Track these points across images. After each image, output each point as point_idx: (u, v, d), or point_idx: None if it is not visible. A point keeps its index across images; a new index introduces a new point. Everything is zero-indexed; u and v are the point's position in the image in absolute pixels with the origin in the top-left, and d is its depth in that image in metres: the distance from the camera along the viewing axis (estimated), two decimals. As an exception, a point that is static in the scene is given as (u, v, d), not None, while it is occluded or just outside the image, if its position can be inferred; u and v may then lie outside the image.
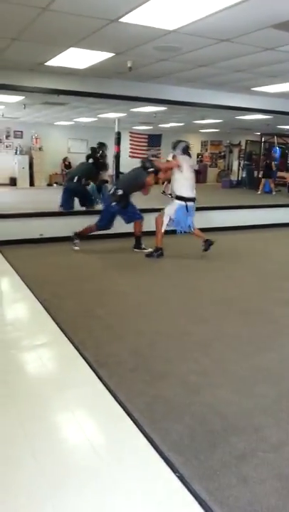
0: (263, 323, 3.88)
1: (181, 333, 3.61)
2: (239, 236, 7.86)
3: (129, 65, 5.35)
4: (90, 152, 8.42)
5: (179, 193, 5.81)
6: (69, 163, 15.59)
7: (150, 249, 6.05)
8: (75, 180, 7.78)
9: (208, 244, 5.94)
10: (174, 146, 6.05)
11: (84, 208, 7.89)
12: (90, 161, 8.15)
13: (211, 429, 2.32)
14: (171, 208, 5.85)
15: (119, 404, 2.51)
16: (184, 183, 5.81)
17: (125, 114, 11.21)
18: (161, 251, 5.90)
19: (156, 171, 6.09)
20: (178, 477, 1.97)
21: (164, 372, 2.91)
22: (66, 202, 7.82)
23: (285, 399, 2.65)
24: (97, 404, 2.59)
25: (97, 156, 8.12)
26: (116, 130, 11.61)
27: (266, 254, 6.72)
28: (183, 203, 5.76)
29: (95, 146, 8.36)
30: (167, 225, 5.87)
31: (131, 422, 2.36)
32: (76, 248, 6.13)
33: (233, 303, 4.39)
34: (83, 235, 6.23)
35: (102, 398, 2.60)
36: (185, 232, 5.98)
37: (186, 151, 5.97)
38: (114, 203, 5.94)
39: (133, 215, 6.14)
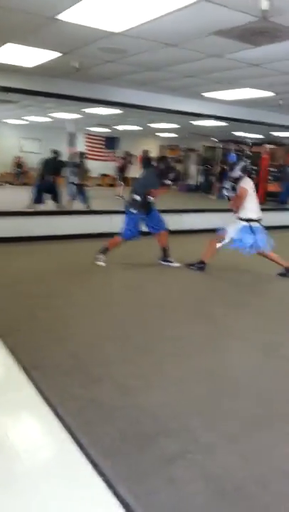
0: (204, 325, 3.91)
1: (123, 336, 3.58)
2: (189, 239, 7.93)
3: (75, 65, 5.30)
4: (49, 153, 8.99)
5: (245, 215, 5.34)
6: (22, 162, 15.33)
7: (178, 264, 5.78)
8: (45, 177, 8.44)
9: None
10: (232, 167, 5.42)
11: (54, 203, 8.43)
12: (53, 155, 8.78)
13: (142, 431, 2.30)
14: (233, 229, 5.40)
15: (51, 408, 2.45)
16: (251, 204, 5.36)
17: (80, 116, 11.10)
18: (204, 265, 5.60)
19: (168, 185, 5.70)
20: (104, 481, 1.93)
21: (101, 375, 2.86)
22: (38, 198, 8.46)
23: (218, 399, 2.68)
24: (28, 409, 2.51)
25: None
26: (70, 131, 11.50)
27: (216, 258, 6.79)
28: (246, 223, 5.31)
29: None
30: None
31: (61, 426, 2.30)
32: (101, 263, 5.58)
33: (177, 305, 4.42)
34: (108, 250, 5.65)
35: (32, 402, 2.52)
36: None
37: (245, 169, 5.37)
38: (134, 210, 5.48)
39: (159, 223, 5.73)
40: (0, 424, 2.31)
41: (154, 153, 18.11)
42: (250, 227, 5.29)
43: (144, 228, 5.74)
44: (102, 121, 12.52)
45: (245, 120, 8.69)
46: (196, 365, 3.12)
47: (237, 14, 3.35)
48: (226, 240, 5.40)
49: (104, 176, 17.39)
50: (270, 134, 12.42)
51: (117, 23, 3.76)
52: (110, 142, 17.45)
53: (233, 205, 5.37)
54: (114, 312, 4.13)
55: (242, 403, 2.66)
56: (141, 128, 14.18)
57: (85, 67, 5.51)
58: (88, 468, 2.01)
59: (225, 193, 5.47)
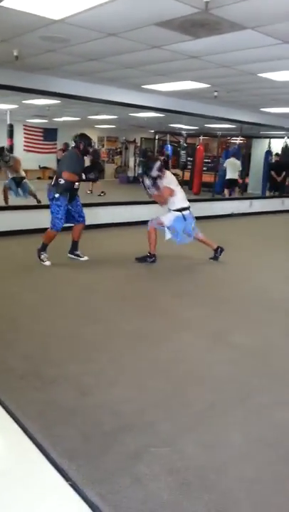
0: (156, 317, 3.94)
1: (76, 333, 3.52)
2: (133, 231, 7.95)
3: (15, 53, 5.08)
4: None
5: (174, 207, 5.50)
6: None
7: (86, 257, 5.63)
8: None
9: (219, 251, 5.90)
10: (149, 167, 5.43)
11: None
12: None
13: (104, 430, 2.27)
14: (167, 218, 5.53)
15: (9, 413, 2.36)
16: (178, 197, 5.53)
17: (18, 106, 10.71)
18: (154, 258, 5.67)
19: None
20: (70, 485, 1.89)
21: (56, 376, 2.80)
22: None
23: (178, 391, 2.71)
24: (-17, 416, 2.40)
25: None
26: (8, 122, 11.08)
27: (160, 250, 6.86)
28: (179, 213, 5.50)
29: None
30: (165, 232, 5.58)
31: (21, 431, 2.22)
32: (47, 263, 5.29)
33: (127, 299, 4.41)
34: (46, 245, 5.36)
35: (-12, 410, 2.42)
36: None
37: (163, 166, 5.53)
38: (57, 194, 5.19)
39: (81, 214, 5.53)
40: None
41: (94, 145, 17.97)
42: (183, 216, 5.50)
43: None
44: (39, 112, 12.17)
45: (182, 112, 8.79)
46: (150, 358, 3.13)
47: (178, 5, 3.34)
48: (165, 226, 5.53)
49: (45, 168, 16.96)
50: (205, 126, 12.68)
51: (57, 10, 3.63)
52: (49, 134, 17.06)
53: (159, 201, 5.59)
54: (62, 310, 4.04)
55: (197, 392, 2.71)
56: (79, 119, 13.94)
57: (25, 56, 5.29)
58: (52, 472, 1.95)
59: (147, 190, 5.54)
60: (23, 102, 9.65)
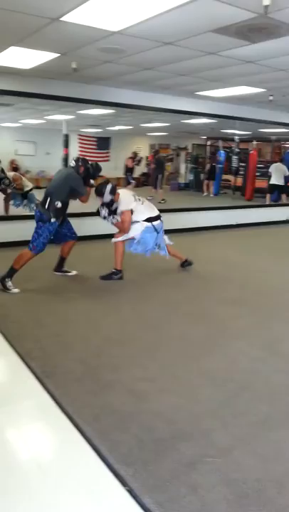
0: (209, 325, 3.90)
1: (129, 338, 3.55)
2: (183, 238, 7.93)
3: (73, 66, 5.25)
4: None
5: (142, 217, 5.09)
6: (16, 165, 15.14)
7: (75, 272, 5.27)
8: None
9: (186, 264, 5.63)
10: (100, 194, 4.91)
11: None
12: None
13: (159, 437, 2.28)
14: (135, 230, 5.08)
15: (67, 416, 2.42)
16: (140, 209, 5.10)
17: (73, 117, 11.04)
18: (121, 274, 5.15)
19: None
20: (127, 491, 1.91)
21: (111, 380, 2.84)
22: None
23: (232, 401, 2.66)
24: (43, 417, 2.48)
25: None
26: (64, 132, 11.44)
27: (210, 255, 6.81)
28: (149, 223, 5.09)
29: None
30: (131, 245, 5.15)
31: (78, 434, 2.27)
32: (15, 290, 4.55)
33: (179, 306, 4.39)
34: (17, 269, 4.62)
35: (48, 411, 2.49)
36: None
37: (114, 190, 4.95)
38: (53, 219, 4.63)
39: (72, 230, 5.11)
40: (19, 434, 2.27)
41: (144, 152, 18.16)
42: (153, 227, 5.10)
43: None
44: (94, 121, 12.48)
45: (235, 117, 8.71)
46: (203, 366, 3.10)
47: (236, 10, 3.33)
48: (129, 237, 5.08)
49: (98, 176, 17.32)
50: (258, 131, 12.45)
51: (116, 22, 3.72)
52: (102, 143, 17.42)
53: (122, 229, 5.07)
54: (114, 316, 4.09)
55: (252, 403, 2.65)
56: (132, 127, 14.14)
57: (83, 68, 5.46)
58: (110, 477, 1.98)
59: (109, 220, 5.07)
60: (78, 112, 9.94)
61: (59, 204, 4.60)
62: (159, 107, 7.58)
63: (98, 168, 5.00)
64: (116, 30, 3.95)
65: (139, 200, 5.13)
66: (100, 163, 5.17)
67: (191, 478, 2.00)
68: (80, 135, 16.82)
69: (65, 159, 9.36)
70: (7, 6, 3.45)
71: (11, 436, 2.28)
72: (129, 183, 13.12)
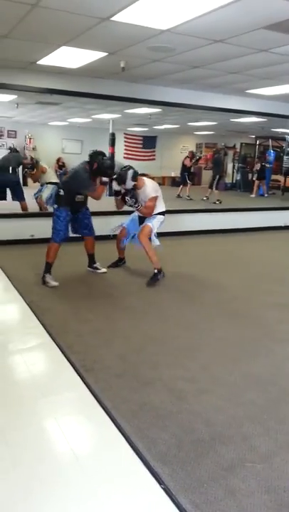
0: (253, 327, 3.82)
1: (170, 337, 3.54)
2: (230, 239, 7.83)
3: (122, 65, 5.30)
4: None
5: (160, 209, 5.00)
6: (63, 163, 15.49)
7: (104, 270, 5.25)
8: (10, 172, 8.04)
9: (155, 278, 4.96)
10: (122, 181, 4.79)
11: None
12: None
13: (198, 438, 2.25)
14: (156, 223, 4.98)
15: (105, 411, 2.44)
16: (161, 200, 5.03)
17: (120, 116, 11.15)
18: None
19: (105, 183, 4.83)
20: (163, 489, 1.90)
21: (151, 378, 2.83)
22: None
23: (274, 407, 2.59)
24: (82, 410, 2.51)
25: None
26: (110, 131, 11.58)
27: (257, 257, 6.67)
28: (163, 217, 5.04)
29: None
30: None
31: (116, 429, 2.29)
32: (54, 284, 4.69)
33: (223, 306, 4.33)
34: (50, 263, 4.81)
35: (87, 404, 2.53)
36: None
37: (136, 176, 4.82)
38: (56, 206, 4.81)
39: (88, 227, 5.09)
40: (58, 425, 2.32)
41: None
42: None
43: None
44: (140, 120, 12.54)
45: (287, 116, 8.47)
46: (245, 369, 3.04)
47: (289, 6, 3.24)
48: (154, 236, 4.94)
49: (143, 175, 17.39)
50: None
51: (165, 20, 3.72)
52: (148, 141, 17.50)
53: (147, 214, 4.94)
54: (158, 312, 4.09)
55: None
56: (178, 126, 14.10)
57: (131, 67, 5.49)
58: (147, 474, 1.98)
59: (136, 208, 5.00)
60: (126, 111, 10.02)
61: (61, 192, 4.77)
62: (208, 105, 7.51)
63: (109, 166, 4.79)
64: (165, 29, 3.94)
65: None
66: (114, 161, 5.10)
67: (229, 481, 1.96)
68: (126, 134, 17.01)
69: (111, 158, 9.45)
70: (59, 6, 3.52)
71: (51, 427, 2.33)
72: (186, 183, 13.06)
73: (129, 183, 4.79)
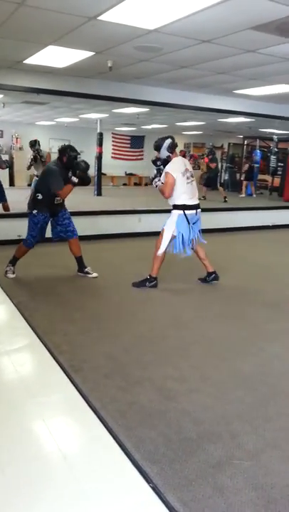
0: (243, 326, 3.84)
1: (159, 336, 3.54)
2: (219, 238, 7.86)
3: (109, 64, 5.29)
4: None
5: (176, 201, 4.50)
6: (50, 163, 15.38)
7: (95, 274, 5.06)
8: None
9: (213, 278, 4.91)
10: (158, 146, 4.51)
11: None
12: None
13: (186, 436, 2.26)
14: (171, 224, 4.54)
15: (93, 411, 2.44)
16: (182, 190, 4.46)
17: (107, 115, 11.13)
18: (156, 281, 4.72)
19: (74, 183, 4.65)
20: (151, 488, 1.90)
21: (140, 377, 2.83)
22: None
23: (263, 404, 2.61)
24: (69, 410, 2.51)
25: None
26: (98, 131, 11.55)
27: (245, 257, 6.71)
28: (181, 212, 4.48)
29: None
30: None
31: (104, 429, 2.29)
32: (11, 276, 4.83)
33: (212, 306, 4.35)
34: (17, 259, 4.92)
35: (75, 405, 2.52)
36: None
37: (173, 146, 4.50)
38: (35, 211, 4.70)
39: (67, 229, 4.91)
40: (46, 427, 2.30)
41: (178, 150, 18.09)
42: (186, 216, 4.48)
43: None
44: (128, 120, 12.53)
45: (274, 116, 8.55)
46: (235, 368, 3.06)
47: (277, 6, 3.26)
48: (166, 242, 4.56)
49: (131, 175, 17.42)
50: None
51: (153, 20, 3.72)
52: (136, 141, 17.50)
53: (162, 193, 4.48)
54: (146, 313, 4.09)
55: (283, 408, 2.58)
56: (167, 126, 14.11)
57: (118, 67, 5.49)
58: (135, 473, 1.98)
59: (155, 182, 4.59)
60: (113, 111, 10.00)
61: (39, 196, 4.64)
62: (196, 105, 7.53)
63: (83, 168, 4.62)
64: (153, 29, 3.95)
65: (188, 179, 4.47)
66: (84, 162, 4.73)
67: (217, 479, 1.97)
68: (113, 133, 16.98)
69: (99, 157, 9.43)
70: (46, 5, 3.50)
71: (39, 427, 2.32)
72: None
73: (164, 152, 4.46)
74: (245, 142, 17.49)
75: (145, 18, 3.69)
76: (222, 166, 18.34)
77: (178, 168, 4.41)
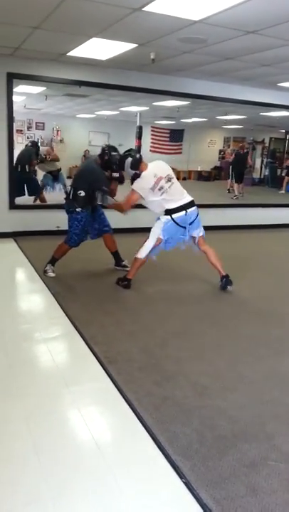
0: (279, 326, 3.76)
1: (194, 332, 3.52)
2: (256, 235, 7.71)
3: (152, 56, 5.25)
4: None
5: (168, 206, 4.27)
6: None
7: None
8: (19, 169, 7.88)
9: (225, 282, 4.53)
10: (122, 167, 4.37)
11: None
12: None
13: (220, 434, 2.23)
14: (157, 230, 4.35)
15: (127, 403, 2.45)
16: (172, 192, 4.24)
17: (147, 108, 11.09)
18: (128, 283, 4.47)
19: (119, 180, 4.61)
20: (184, 483, 1.89)
21: (175, 372, 2.82)
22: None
23: (300, 406, 2.54)
24: (104, 401, 2.53)
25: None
26: (137, 124, 11.52)
27: (283, 255, 6.55)
28: (168, 218, 4.27)
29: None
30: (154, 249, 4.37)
31: (138, 422, 2.29)
32: (51, 274, 4.72)
33: (249, 304, 4.28)
34: (56, 259, 4.82)
35: (109, 396, 2.54)
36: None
37: (136, 164, 4.27)
38: (78, 209, 4.59)
39: (103, 225, 4.90)
40: (81, 416, 2.34)
41: (218, 145, 17.86)
42: (173, 220, 4.25)
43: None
44: (168, 113, 12.45)
45: None
46: (271, 367, 3.00)
47: None
48: (149, 245, 4.33)
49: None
50: None
51: (198, 11, 3.65)
52: (175, 135, 17.37)
53: (117, 208, 4.48)
54: (183, 308, 4.07)
55: None
56: (206, 119, 13.94)
57: (161, 59, 5.44)
58: (168, 468, 1.98)
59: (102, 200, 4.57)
60: (154, 104, 9.95)
61: (82, 193, 4.52)
62: (238, 98, 7.39)
63: (116, 161, 4.49)
64: (197, 20, 3.88)
65: (166, 184, 4.20)
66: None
67: (251, 479, 1.94)
68: (153, 127, 16.90)
69: (138, 150, 9.40)
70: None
71: (74, 416, 2.35)
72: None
73: (130, 172, 4.32)
74: (288, 137, 17.03)
75: (190, 8, 3.63)
76: (262, 161, 17.98)
77: (146, 183, 4.20)
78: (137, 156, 4.29)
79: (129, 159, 4.27)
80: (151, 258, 4.40)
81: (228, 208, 8.41)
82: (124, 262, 5.09)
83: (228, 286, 4.47)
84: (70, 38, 4.87)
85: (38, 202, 8.39)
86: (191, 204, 4.31)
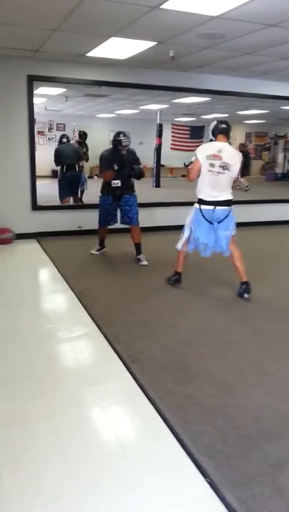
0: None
1: (217, 330, 3.49)
2: (280, 231, 7.60)
3: (171, 54, 5.23)
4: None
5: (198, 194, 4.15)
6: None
7: (145, 262, 5.20)
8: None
9: (244, 289, 4.23)
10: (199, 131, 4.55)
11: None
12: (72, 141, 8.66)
13: (245, 433, 2.21)
14: (188, 220, 4.27)
15: (150, 401, 2.45)
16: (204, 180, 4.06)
17: (167, 106, 11.06)
18: (178, 276, 4.50)
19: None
20: (208, 482, 1.88)
21: (198, 370, 2.81)
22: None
23: None
24: (126, 400, 2.53)
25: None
26: (158, 122, 11.51)
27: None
28: (197, 206, 4.13)
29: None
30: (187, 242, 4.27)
31: (161, 420, 2.29)
32: (94, 252, 5.56)
33: (273, 301, 4.21)
34: (100, 239, 5.58)
35: (132, 394, 2.54)
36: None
37: (217, 131, 4.04)
38: (100, 194, 5.32)
39: (129, 216, 5.19)
40: (104, 414, 2.35)
41: (239, 140, 17.64)
42: (201, 212, 4.09)
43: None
44: (188, 110, 12.38)
45: None
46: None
47: None
48: (185, 236, 4.27)
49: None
50: None
51: (216, 6, 3.63)
52: (195, 131, 17.26)
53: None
54: (205, 305, 4.04)
55: None
56: (227, 115, 13.80)
57: (180, 56, 5.41)
58: (192, 467, 1.97)
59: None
60: (173, 101, 9.93)
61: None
62: (259, 93, 7.31)
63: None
64: (216, 15, 3.85)
65: (214, 168, 3.96)
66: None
67: (276, 479, 1.91)
68: (173, 124, 16.85)
69: (158, 149, 9.40)
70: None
71: (97, 415, 2.37)
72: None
73: (209, 136, 4.19)
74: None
75: (208, 4, 3.60)
76: (285, 155, 17.71)
77: (204, 150, 4.03)
78: (222, 125, 4.02)
79: (215, 123, 4.05)
80: (187, 250, 4.34)
81: (251, 205, 8.30)
82: (139, 256, 5.28)
83: (245, 294, 4.18)
84: (88, 39, 4.89)
85: (70, 201, 8.04)
86: (223, 203, 4.07)
